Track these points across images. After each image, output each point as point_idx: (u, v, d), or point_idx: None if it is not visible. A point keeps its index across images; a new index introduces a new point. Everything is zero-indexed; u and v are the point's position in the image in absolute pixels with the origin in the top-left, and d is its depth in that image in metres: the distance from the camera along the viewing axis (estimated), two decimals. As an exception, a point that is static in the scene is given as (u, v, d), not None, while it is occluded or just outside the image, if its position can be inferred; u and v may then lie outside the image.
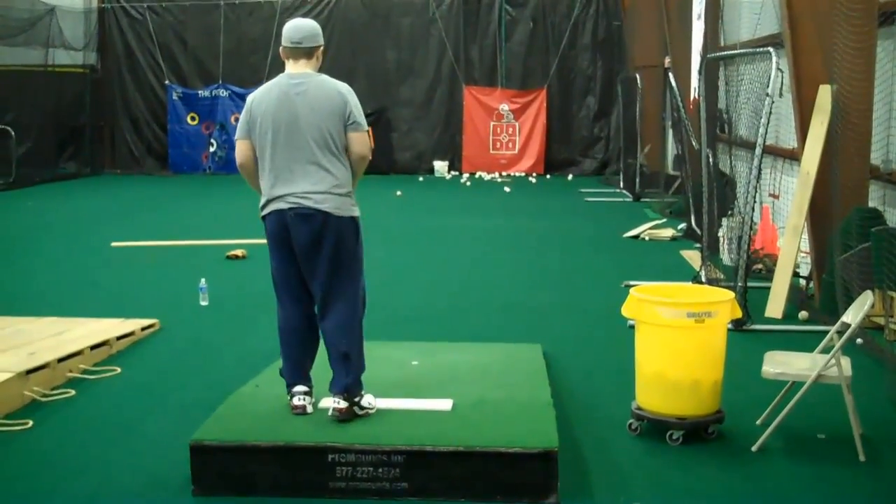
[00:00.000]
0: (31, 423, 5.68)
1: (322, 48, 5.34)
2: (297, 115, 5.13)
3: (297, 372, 5.28)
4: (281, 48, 5.31)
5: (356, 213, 5.22)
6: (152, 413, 5.94)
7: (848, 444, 5.18)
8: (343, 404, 5.07)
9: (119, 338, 7.33)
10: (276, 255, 5.26)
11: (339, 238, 5.12)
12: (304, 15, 22.48)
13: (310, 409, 5.18)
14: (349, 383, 5.12)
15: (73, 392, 6.27)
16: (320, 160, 5.12)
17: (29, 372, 6.13)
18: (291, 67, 5.26)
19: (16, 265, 11.15)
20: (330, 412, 5.09)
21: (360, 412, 5.12)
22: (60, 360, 6.50)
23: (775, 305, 8.34)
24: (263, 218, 5.25)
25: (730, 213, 10.40)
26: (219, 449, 4.76)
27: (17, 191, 18.98)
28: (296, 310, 5.28)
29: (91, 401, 6.17)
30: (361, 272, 5.29)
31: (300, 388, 5.23)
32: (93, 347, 6.94)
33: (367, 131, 5.30)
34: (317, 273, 5.15)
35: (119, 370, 6.78)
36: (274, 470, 4.72)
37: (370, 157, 5.32)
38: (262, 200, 5.24)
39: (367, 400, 5.17)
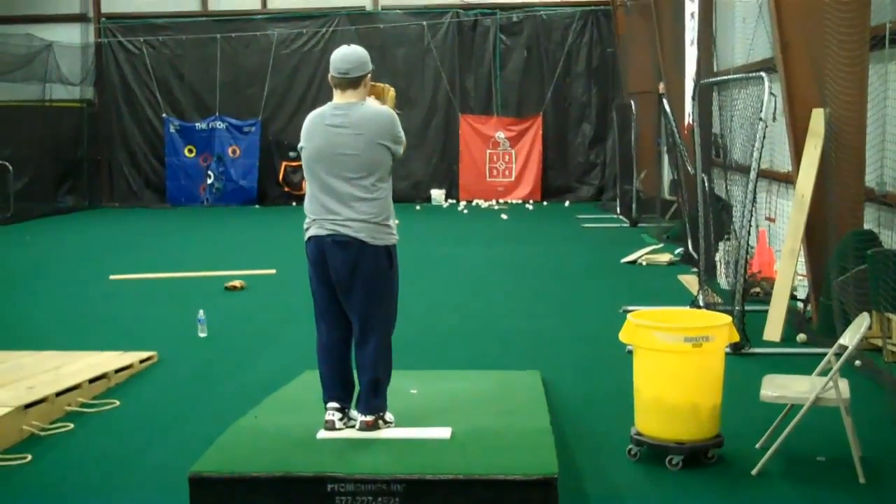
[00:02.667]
0: (29, 457, 5.67)
1: (370, 74, 5.42)
2: (335, 145, 5.25)
3: (330, 390, 5.43)
4: (329, 76, 5.40)
5: (392, 241, 5.35)
6: (151, 446, 5.93)
7: (848, 467, 5.18)
8: (370, 417, 5.32)
9: (117, 371, 7.32)
10: (313, 279, 5.42)
11: (374, 267, 5.26)
12: (300, 47, 22.75)
13: (339, 424, 5.34)
14: (378, 404, 5.36)
15: (71, 426, 6.25)
16: (359, 189, 5.24)
17: (27, 406, 6.12)
18: (337, 97, 5.37)
19: (14, 299, 11.14)
20: (357, 425, 5.31)
21: (384, 425, 5.36)
22: (59, 393, 6.49)
23: (773, 328, 8.34)
24: (305, 242, 5.39)
25: (726, 237, 10.43)
26: (218, 480, 4.75)
27: (16, 225, 19.00)
28: (331, 332, 5.43)
29: (90, 434, 6.16)
30: (395, 300, 5.44)
31: (332, 404, 5.40)
32: (91, 381, 6.93)
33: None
34: (353, 301, 5.30)
35: (118, 403, 6.77)
36: (273, 501, 4.71)
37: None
38: (305, 224, 5.38)
39: (389, 415, 5.42)
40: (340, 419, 5.36)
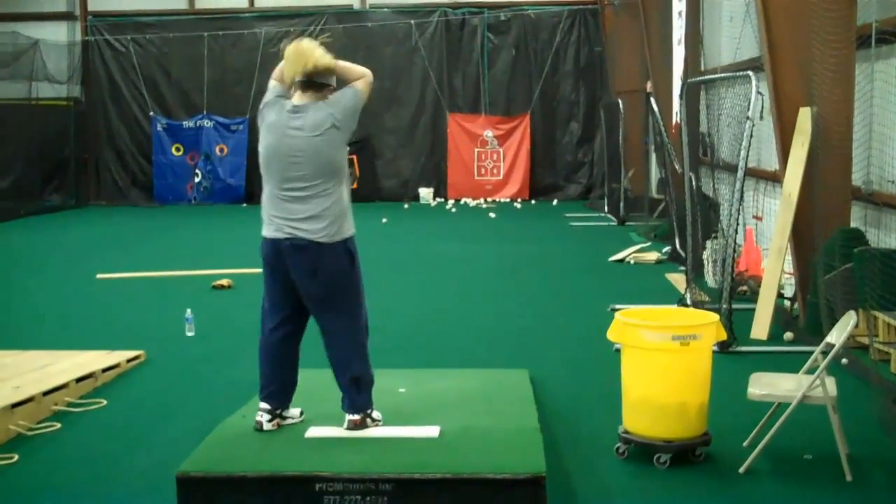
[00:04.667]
0: (16, 457, 5.64)
1: (333, 88, 5.38)
2: (291, 145, 5.24)
3: (265, 389, 5.45)
4: (296, 81, 5.36)
5: (349, 233, 5.33)
6: (138, 445, 5.91)
7: (835, 465, 5.20)
8: (357, 416, 5.33)
9: (105, 370, 7.30)
10: (267, 277, 5.43)
11: (336, 267, 5.26)
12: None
13: (266, 426, 5.35)
14: (362, 403, 5.36)
15: (58, 425, 6.23)
16: (314, 188, 5.22)
17: (14, 406, 6.10)
18: (296, 98, 5.34)
19: (0, 298, 11.09)
20: (345, 424, 5.32)
21: (372, 424, 5.36)
22: (46, 393, 6.47)
23: (760, 327, 8.36)
24: (262, 241, 5.39)
25: (714, 235, 10.46)
26: (205, 480, 4.74)
27: (2, 224, 18.90)
28: (274, 331, 5.44)
29: (77, 434, 6.14)
30: (361, 294, 5.43)
31: (263, 405, 5.41)
32: (78, 380, 6.91)
33: (361, 90, 5.35)
34: (318, 303, 5.31)
35: (105, 402, 6.75)
36: (261, 500, 4.70)
37: (368, 77, 5.42)
38: (263, 221, 5.37)
39: (377, 414, 5.42)
40: (269, 420, 5.36)
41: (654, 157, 17.96)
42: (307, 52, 5.32)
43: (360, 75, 5.41)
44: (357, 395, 5.35)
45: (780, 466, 5.35)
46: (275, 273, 5.36)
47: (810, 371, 5.45)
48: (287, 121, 5.27)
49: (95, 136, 23.14)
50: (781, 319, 8.71)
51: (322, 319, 5.35)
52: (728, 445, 5.58)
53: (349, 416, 5.33)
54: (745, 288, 10.02)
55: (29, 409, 6.22)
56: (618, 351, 5.79)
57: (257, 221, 5.44)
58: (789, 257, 8.82)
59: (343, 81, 5.42)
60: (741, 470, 5.24)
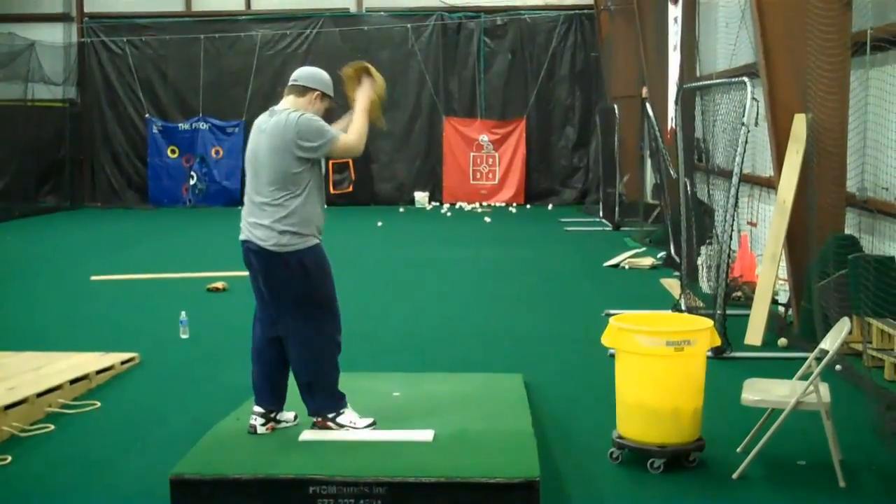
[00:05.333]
0: (9, 458, 5.64)
1: (319, 95, 5.41)
2: (259, 149, 5.33)
3: (258, 393, 5.52)
4: None
5: (304, 246, 5.28)
6: (132, 447, 5.91)
7: (828, 471, 5.21)
8: (317, 418, 5.43)
9: (99, 372, 7.29)
10: (251, 279, 5.54)
11: (286, 275, 5.28)
12: (284, 48, 22.72)
13: (260, 429, 5.41)
14: (316, 407, 5.43)
15: (52, 427, 6.23)
16: (270, 195, 5.27)
17: (7, 407, 6.09)
18: (280, 104, 5.41)
19: (-6, 300, 11.09)
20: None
21: (336, 427, 5.40)
22: (39, 394, 6.46)
23: (754, 333, 8.38)
24: None
25: (708, 241, 10.47)
26: (199, 482, 4.74)
27: (-4, 225, 18.91)
28: (263, 334, 5.52)
29: (71, 435, 6.13)
30: (321, 306, 5.37)
31: (256, 408, 5.48)
32: (72, 382, 6.91)
33: (337, 143, 5.34)
34: (274, 305, 5.39)
35: (99, 404, 6.74)
36: (255, 503, 4.70)
37: (356, 147, 5.43)
38: None
39: (348, 418, 5.41)
40: (263, 424, 5.42)
41: (649, 162, 18.01)
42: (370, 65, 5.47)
43: (356, 132, 5.40)
44: (310, 399, 5.43)
45: (773, 472, 5.36)
46: (251, 274, 5.47)
47: (804, 377, 5.46)
48: (261, 123, 5.39)
49: (91, 138, 23.13)
50: (775, 325, 8.73)
51: (279, 320, 5.41)
52: (722, 451, 5.59)
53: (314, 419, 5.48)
54: (739, 294, 10.03)
55: (22, 410, 6.21)
56: (612, 356, 5.79)
57: (252, 224, 5.46)
58: (783, 263, 8.83)
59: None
60: (735, 476, 5.25)
